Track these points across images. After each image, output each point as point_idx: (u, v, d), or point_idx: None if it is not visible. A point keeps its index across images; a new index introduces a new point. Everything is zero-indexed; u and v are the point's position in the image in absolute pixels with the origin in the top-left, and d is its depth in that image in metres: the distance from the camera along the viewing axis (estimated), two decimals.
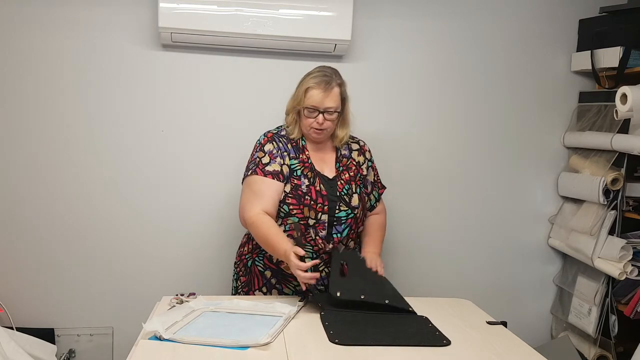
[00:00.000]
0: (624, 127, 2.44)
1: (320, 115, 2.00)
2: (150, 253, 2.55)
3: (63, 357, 2.50)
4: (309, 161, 2.07)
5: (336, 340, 1.59)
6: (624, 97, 2.26)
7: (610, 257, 2.42)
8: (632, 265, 2.38)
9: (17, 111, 2.41)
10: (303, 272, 1.78)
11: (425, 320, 1.78)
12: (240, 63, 2.51)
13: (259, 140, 2.10)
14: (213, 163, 2.55)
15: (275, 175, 2.00)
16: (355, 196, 2.08)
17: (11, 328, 2.34)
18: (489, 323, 1.78)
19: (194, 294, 1.89)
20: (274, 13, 2.37)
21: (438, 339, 1.63)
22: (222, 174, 2.54)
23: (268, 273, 2.08)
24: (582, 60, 2.68)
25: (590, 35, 2.65)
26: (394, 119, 2.63)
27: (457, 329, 1.70)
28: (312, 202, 2.00)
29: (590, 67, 2.62)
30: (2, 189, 2.43)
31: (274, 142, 2.06)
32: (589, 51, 2.61)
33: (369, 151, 2.22)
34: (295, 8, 2.39)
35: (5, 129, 2.41)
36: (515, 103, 2.75)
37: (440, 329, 1.69)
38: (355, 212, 2.07)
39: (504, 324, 1.79)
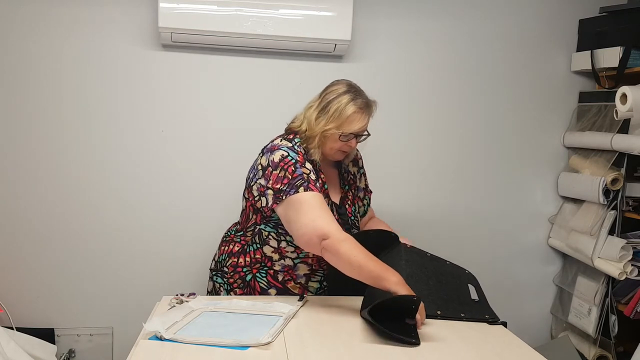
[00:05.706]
0: (624, 127, 2.44)
1: (354, 139, 1.84)
2: (150, 253, 2.55)
3: (63, 357, 2.50)
4: (325, 186, 1.87)
5: None
6: (624, 97, 2.26)
7: (610, 257, 2.42)
8: (632, 265, 2.38)
9: (17, 111, 2.41)
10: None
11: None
12: (240, 63, 2.51)
13: (289, 156, 1.78)
14: (213, 163, 2.55)
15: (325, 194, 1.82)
16: (359, 216, 2.03)
17: (11, 328, 2.34)
18: (489, 323, 1.78)
19: (194, 294, 1.89)
20: (274, 13, 2.37)
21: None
22: (222, 174, 2.54)
23: (272, 291, 1.93)
24: (582, 60, 2.68)
25: (590, 35, 2.65)
26: (394, 119, 2.63)
27: (457, 328, 1.70)
28: None
29: (590, 67, 2.62)
30: (2, 189, 2.43)
31: (309, 164, 1.82)
32: (589, 51, 2.61)
33: (361, 159, 2.09)
34: (295, 8, 2.39)
35: (4, 128, 2.41)
36: (515, 103, 2.75)
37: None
38: None
39: (504, 324, 1.78)
